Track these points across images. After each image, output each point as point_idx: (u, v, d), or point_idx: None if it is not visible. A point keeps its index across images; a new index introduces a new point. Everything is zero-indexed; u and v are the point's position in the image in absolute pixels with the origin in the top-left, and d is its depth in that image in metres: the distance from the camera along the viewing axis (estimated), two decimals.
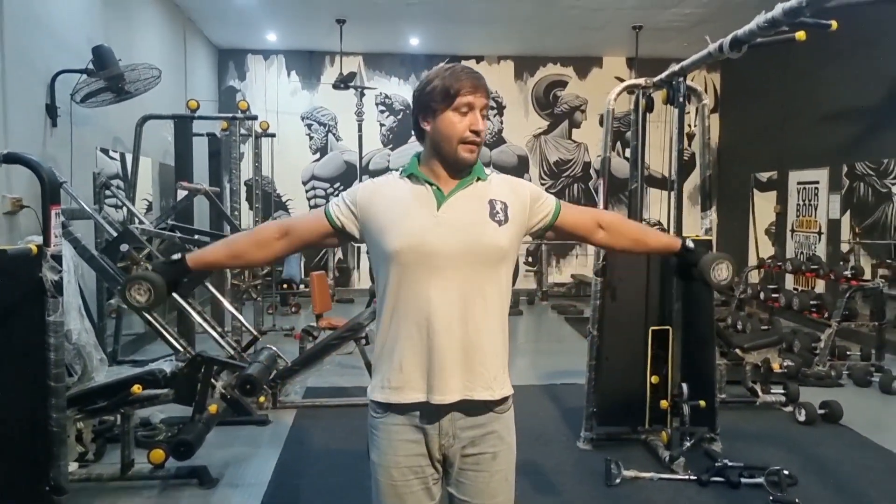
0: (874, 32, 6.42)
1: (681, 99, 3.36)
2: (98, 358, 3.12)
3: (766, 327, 6.49)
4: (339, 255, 9.73)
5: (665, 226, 5.32)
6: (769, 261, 7.27)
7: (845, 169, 7.09)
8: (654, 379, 3.69)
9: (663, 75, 3.51)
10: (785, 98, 7.96)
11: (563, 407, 4.53)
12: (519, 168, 9.90)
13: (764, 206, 8.70)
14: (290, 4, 7.64)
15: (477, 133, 1.52)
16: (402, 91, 9.86)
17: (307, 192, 9.84)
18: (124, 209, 5.51)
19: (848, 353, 5.77)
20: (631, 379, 3.70)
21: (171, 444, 3.00)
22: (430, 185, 1.56)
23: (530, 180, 9.71)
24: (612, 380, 3.73)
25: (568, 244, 9.78)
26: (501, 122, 9.93)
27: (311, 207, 9.79)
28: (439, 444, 1.56)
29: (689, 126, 9.83)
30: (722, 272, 1.77)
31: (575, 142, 9.96)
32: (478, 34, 8.76)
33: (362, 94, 9.62)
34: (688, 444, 3.45)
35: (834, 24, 2.54)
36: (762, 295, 6.89)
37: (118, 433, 3.55)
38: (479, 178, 1.59)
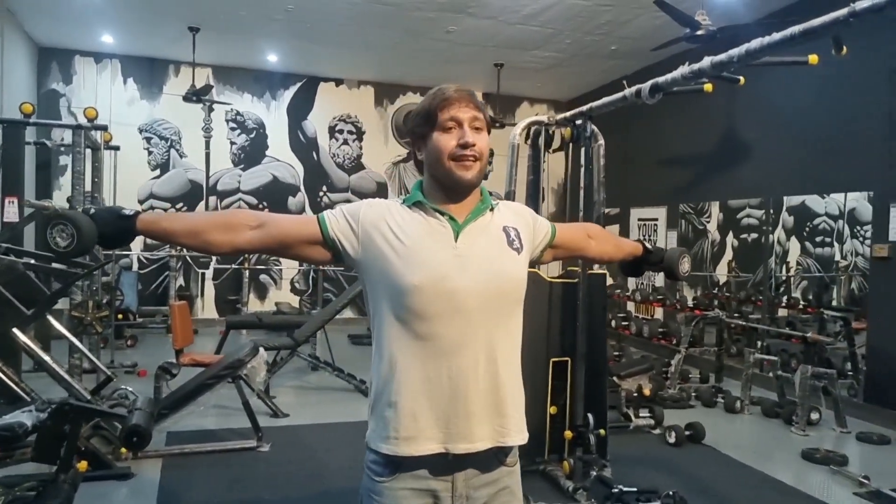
0: None
1: (587, 137, 3.48)
2: None
3: (617, 353, 6.97)
4: (181, 281, 8.93)
5: None
6: (617, 290, 7.82)
7: (681, 208, 7.90)
8: (553, 409, 3.75)
9: (568, 114, 3.62)
10: (627, 141, 8.68)
11: None
12: (378, 195, 9.80)
13: None
14: (136, 7, 6.96)
15: (466, 146, 1.39)
16: (256, 108, 9.38)
17: (144, 211, 8.93)
18: None
19: (689, 376, 6.34)
20: (531, 410, 3.70)
21: None
22: (442, 214, 1.43)
23: None
24: None
25: None
26: (361, 148, 9.79)
27: None
28: None
29: (545, 162, 10.37)
30: (685, 265, 1.97)
31: None
32: (340, 56, 8.58)
33: (211, 109, 9.03)
34: (594, 473, 3.52)
35: (742, 79, 2.79)
36: (613, 323, 7.39)
37: None
38: (490, 208, 1.49)
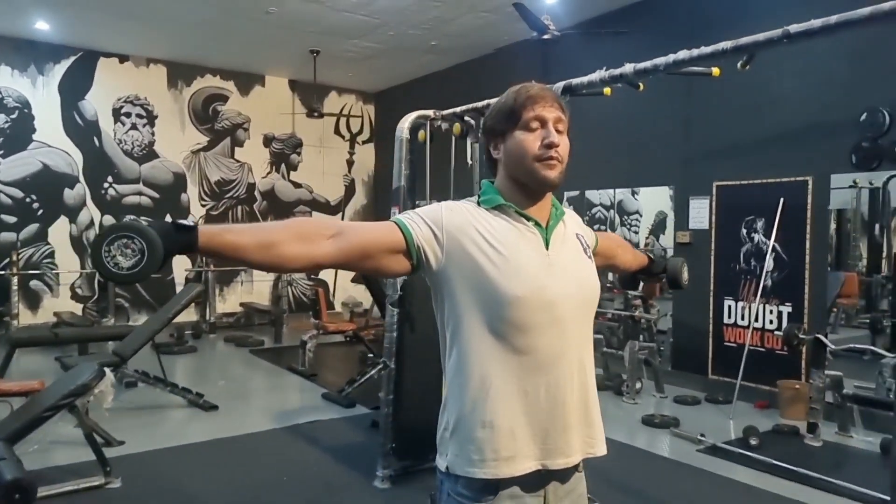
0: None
1: (479, 133, 3.50)
2: None
3: None
4: None
5: None
6: None
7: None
8: None
9: (458, 109, 3.62)
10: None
11: (326, 447, 4.22)
12: (176, 187, 8.85)
13: None
14: None
15: (550, 146, 1.32)
16: (18, 84, 7.88)
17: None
18: None
19: None
20: (429, 410, 3.67)
21: None
22: (528, 219, 1.37)
23: (189, 201, 8.83)
24: (412, 412, 3.65)
25: (233, 271, 9.12)
26: (153, 134, 8.74)
27: None
28: None
29: (350, 154, 10.28)
30: (685, 273, 2.01)
31: (238, 161, 9.37)
32: (127, 29, 7.51)
33: None
34: None
35: (641, 85, 3.01)
36: None
37: None
38: (563, 214, 1.46)
